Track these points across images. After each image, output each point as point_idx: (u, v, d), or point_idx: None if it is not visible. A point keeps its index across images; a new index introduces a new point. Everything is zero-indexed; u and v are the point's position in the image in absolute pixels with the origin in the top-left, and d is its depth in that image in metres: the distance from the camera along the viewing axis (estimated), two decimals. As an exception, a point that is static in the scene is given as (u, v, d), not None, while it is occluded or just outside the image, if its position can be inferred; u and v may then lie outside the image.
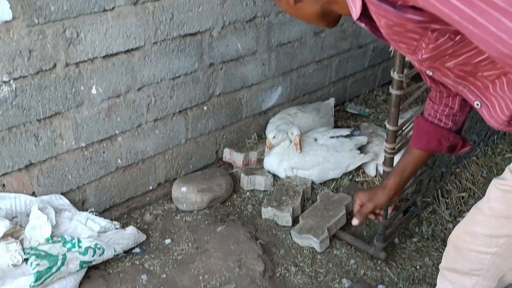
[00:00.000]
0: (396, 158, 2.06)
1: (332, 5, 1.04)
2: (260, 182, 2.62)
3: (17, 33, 1.74)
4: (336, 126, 3.08)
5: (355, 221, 1.53)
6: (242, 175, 2.64)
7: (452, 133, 1.40)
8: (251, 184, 2.63)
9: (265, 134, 2.93)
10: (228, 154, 2.75)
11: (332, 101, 3.11)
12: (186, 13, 2.23)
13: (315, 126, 2.86)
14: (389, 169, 2.02)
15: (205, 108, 2.55)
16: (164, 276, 2.04)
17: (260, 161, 2.75)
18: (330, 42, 3.08)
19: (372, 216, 1.55)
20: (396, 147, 1.99)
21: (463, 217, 2.46)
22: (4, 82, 1.78)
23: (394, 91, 1.86)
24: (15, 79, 1.80)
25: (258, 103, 2.84)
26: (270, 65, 2.77)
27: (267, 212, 2.40)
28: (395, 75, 1.83)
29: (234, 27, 2.48)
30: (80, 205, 2.23)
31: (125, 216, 2.42)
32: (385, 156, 2.01)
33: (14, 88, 1.81)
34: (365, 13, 0.94)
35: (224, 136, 2.75)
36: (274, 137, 2.58)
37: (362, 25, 1.00)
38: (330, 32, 3.02)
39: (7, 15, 1.69)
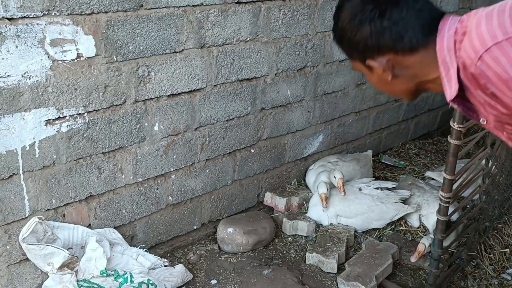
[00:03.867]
0: (451, 208, 2.09)
1: (427, 84, 1.09)
2: (302, 227, 2.62)
3: (97, 69, 1.83)
4: (374, 176, 3.11)
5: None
6: (284, 219, 2.65)
7: None
8: (293, 229, 2.63)
9: (304, 180, 2.96)
10: (270, 198, 2.77)
11: (370, 152, 3.16)
12: (245, 59, 2.33)
13: (356, 175, 2.89)
14: (444, 218, 2.03)
15: (252, 151, 2.60)
16: (214, 316, 2.01)
17: (301, 206, 2.76)
18: (369, 94, 3.17)
19: None
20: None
21: (507, 273, 2.47)
22: (79, 114, 1.84)
23: (453, 141, 1.91)
24: (89, 112, 1.87)
25: (300, 149, 2.89)
26: (315, 113, 2.85)
27: (312, 257, 2.39)
28: (454, 126, 1.88)
29: (286, 75, 2.57)
30: (129, 241, 2.24)
31: (168, 255, 2.41)
32: (440, 205, 2.03)
33: (87, 121, 1.87)
34: (460, 95, 0.99)
35: (267, 180, 2.78)
36: (327, 190, 2.60)
37: (455, 106, 1.05)
38: (371, 84, 3.11)
39: (92, 51, 1.78)
